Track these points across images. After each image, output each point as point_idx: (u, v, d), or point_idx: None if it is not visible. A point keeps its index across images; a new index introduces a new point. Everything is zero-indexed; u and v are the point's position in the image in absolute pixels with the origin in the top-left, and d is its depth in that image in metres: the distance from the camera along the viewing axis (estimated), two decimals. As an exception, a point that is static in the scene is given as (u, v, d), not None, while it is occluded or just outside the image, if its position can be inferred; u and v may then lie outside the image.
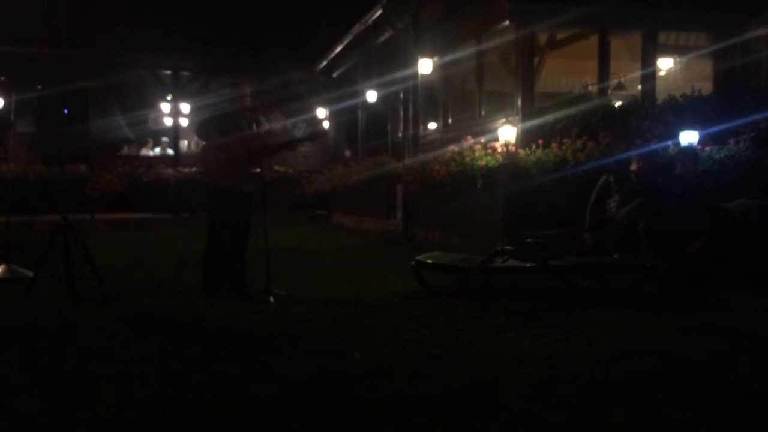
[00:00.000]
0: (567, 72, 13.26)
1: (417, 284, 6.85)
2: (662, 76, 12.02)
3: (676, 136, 8.57)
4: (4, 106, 16.60)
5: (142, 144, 20.92)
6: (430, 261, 6.97)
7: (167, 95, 20.02)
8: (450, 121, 12.94)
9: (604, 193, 7.98)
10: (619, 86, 12.30)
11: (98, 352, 4.58)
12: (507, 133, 9.38)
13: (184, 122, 19.76)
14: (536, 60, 11.36)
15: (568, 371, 4.05)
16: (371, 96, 15.91)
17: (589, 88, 12.07)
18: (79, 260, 6.70)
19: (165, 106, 20.16)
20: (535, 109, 10.18)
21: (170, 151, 20.33)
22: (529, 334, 4.98)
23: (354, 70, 17.94)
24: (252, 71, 17.82)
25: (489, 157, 9.24)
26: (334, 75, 19.42)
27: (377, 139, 16.75)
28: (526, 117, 9.98)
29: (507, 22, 10.47)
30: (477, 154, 9.47)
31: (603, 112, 9.74)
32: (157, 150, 21.02)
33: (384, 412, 3.39)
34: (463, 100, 13.19)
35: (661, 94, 10.51)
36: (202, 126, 7.36)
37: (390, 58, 14.91)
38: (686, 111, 9.43)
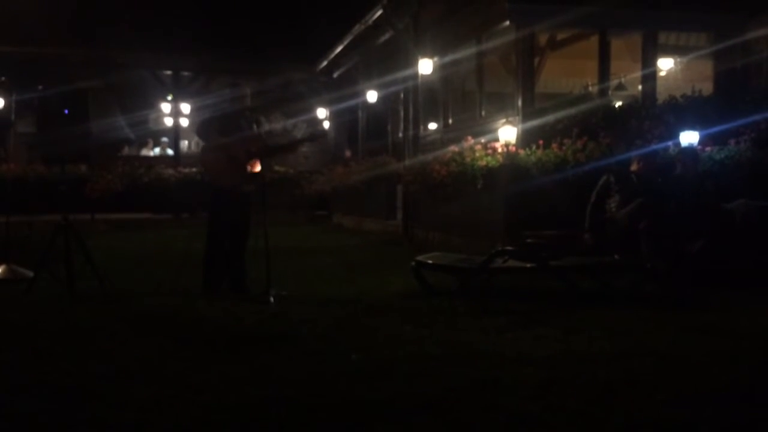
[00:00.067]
0: (567, 72, 13.27)
1: (417, 284, 6.85)
2: (662, 77, 12.02)
3: (677, 136, 8.57)
4: (5, 106, 16.64)
5: (143, 144, 20.93)
6: (430, 261, 6.97)
7: (168, 95, 20.03)
8: (450, 121, 12.94)
9: (604, 193, 7.97)
10: (620, 87, 12.31)
11: (98, 352, 4.58)
12: (507, 133, 9.38)
13: (184, 122, 19.77)
14: (536, 60, 11.36)
15: (568, 371, 4.05)
16: (371, 96, 15.92)
17: (590, 88, 12.07)
18: (79, 260, 6.70)
19: (165, 107, 20.17)
20: (536, 110, 10.18)
21: (170, 152, 20.34)
22: (529, 334, 4.98)
23: (354, 71, 17.94)
24: (252, 71, 17.85)
25: (489, 158, 9.24)
26: (335, 75, 19.42)
27: (378, 140, 16.75)
28: (526, 117, 9.98)
29: (507, 23, 10.48)
30: (477, 154, 9.47)
31: (603, 113, 9.74)
32: (157, 150, 21.03)
33: (384, 412, 3.39)
34: (464, 100, 13.19)
35: (661, 95, 10.51)
36: (202, 126, 7.37)
37: (390, 58, 14.91)
38: (687, 111, 9.43)
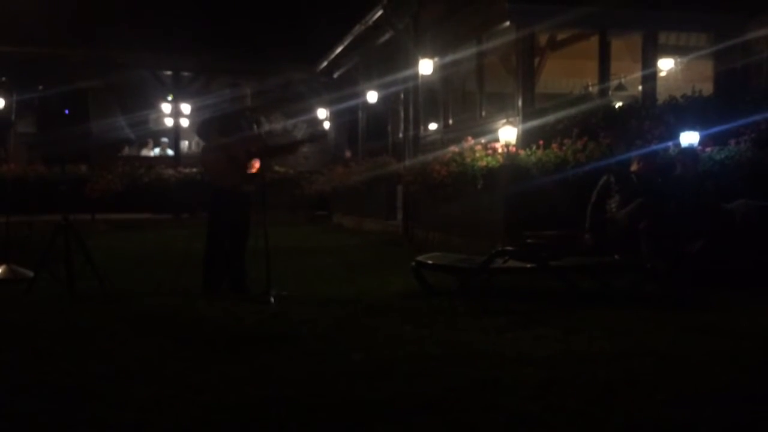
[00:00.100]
0: (567, 73, 13.27)
1: (417, 284, 6.85)
2: (663, 77, 12.02)
3: (677, 136, 8.57)
4: (5, 106, 16.63)
5: (143, 144, 20.93)
6: (430, 261, 6.97)
7: (168, 95, 20.04)
8: (450, 121, 12.95)
9: (604, 193, 7.98)
10: (620, 87, 12.31)
11: (98, 352, 4.58)
12: (507, 133, 9.38)
13: (184, 123, 19.76)
14: (537, 61, 11.36)
15: (568, 371, 4.05)
16: (372, 96, 15.92)
17: (590, 88, 12.07)
18: (79, 260, 6.70)
19: (166, 107, 20.18)
20: (536, 110, 10.18)
21: (170, 152, 20.34)
22: (529, 334, 4.98)
23: (354, 71, 17.94)
24: (252, 71, 17.85)
25: (489, 158, 9.24)
26: (335, 75, 19.43)
27: (378, 140, 16.75)
28: (526, 118, 9.98)
29: (507, 23, 10.48)
30: (477, 154, 9.48)
31: (603, 113, 9.74)
32: (157, 150, 21.02)
33: (384, 412, 3.39)
34: (464, 100, 13.19)
35: (661, 95, 10.51)
36: (203, 126, 7.36)
37: (390, 58, 14.91)
38: (687, 112, 9.43)
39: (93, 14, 17.84)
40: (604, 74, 10.69)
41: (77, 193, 14.27)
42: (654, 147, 8.60)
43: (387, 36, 14.75)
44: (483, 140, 10.00)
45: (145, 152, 20.81)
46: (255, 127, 6.85)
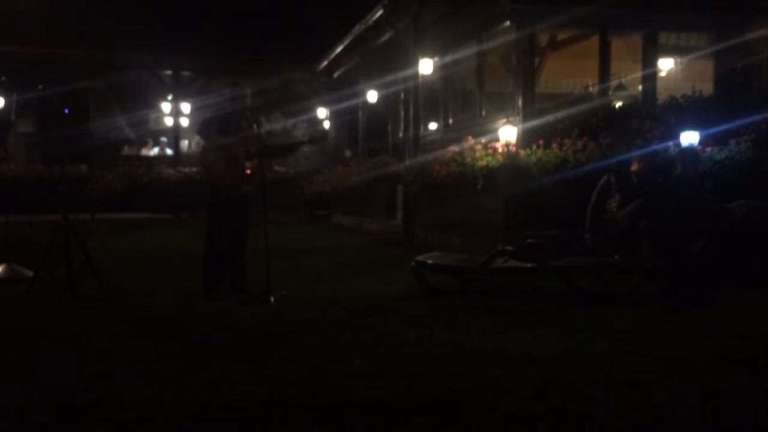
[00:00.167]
0: (568, 72, 13.27)
1: (417, 284, 6.85)
2: (663, 77, 12.01)
3: (677, 136, 8.57)
4: (5, 106, 16.64)
5: (142, 144, 20.93)
6: (430, 261, 6.97)
7: (168, 95, 20.02)
8: (450, 121, 12.94)
9: (604, 193, 7.97)
10: (620, 87, 12.31)
11: (98, 352, 4.58)
12: (508, 133, 9.38)
13: (184, 122, 19.76)
14: (537, 60, 11.35)
15: (568, 371, 4.05)
16: (372, 96, 15.91)
17: (590, 88, 12.07)
18: (79, 260, 6.70)
19: (166, 106, 20.16)
20: (536, 110, 10.18)
21: (169, 151, 20.34)
22: (529, 334, 4.98)
23: (355, 71, 17.94)
24: (252, 71, 17.83)
25: (490, 158, 9.23)
26: (335, 75, 19.43)
27: (378, 140, 16.75)
28: (526, 117, 9.98)
29: (508, 23, 10.47)
30: (478, 154, 9.47)
31: (604, 113, 9.74)
32: (156, 150, 21.02)
33: (384, 412, 3.39)
34: (464, 100, 13.19)
35: (661, 95, 10.51)
36: (203, 126, 7.36)
37: (391, 58, 14.91)
38: (687, 112, 9.43)
39: (93, 14, 17.84)
40: (604, 74, 10.69)
41: (77, 193, 14.26)
42: (654, 147, 8.60)
43: (387, 36, 14.74)
44: (483, 140, 9.99)
45: (144, 152, 20.81)
46: (255, 127, 6.85)
